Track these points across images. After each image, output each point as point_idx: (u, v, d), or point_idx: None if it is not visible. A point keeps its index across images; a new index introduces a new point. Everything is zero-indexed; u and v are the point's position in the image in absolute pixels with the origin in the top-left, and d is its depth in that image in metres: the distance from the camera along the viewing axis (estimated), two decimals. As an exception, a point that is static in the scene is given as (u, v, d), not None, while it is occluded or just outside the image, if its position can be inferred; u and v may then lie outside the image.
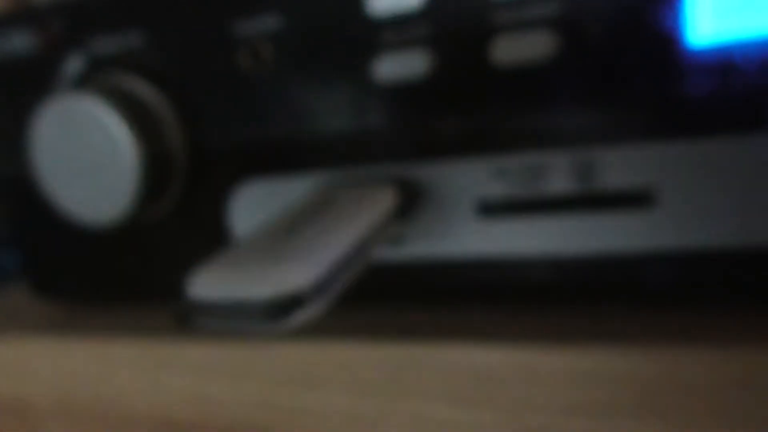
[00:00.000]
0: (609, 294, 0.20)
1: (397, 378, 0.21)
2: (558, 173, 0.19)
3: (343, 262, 0.17)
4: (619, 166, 0.19)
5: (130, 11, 0.23)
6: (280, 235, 0.17)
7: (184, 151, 0.23)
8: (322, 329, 0.22)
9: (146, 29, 0.23)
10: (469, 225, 0.20)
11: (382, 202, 0.19)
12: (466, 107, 0.20)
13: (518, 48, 0.19)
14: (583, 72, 0.18)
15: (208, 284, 0.16)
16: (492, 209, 0.20)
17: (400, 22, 0.20)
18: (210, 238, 0.24)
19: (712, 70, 0.18)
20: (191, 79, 0.23)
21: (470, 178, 0.20)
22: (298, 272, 0.15)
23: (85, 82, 0.24)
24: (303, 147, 0.22)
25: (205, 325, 0.15)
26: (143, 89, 0.23)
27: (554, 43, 0.18)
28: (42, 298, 0.28)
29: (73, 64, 0.24)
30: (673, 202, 0.18)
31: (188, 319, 0.15)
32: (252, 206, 0.23)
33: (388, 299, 0.23)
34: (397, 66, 0.20)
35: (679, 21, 0.18)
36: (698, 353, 0.18)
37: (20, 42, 0.25)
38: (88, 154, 0.22)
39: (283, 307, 0.15)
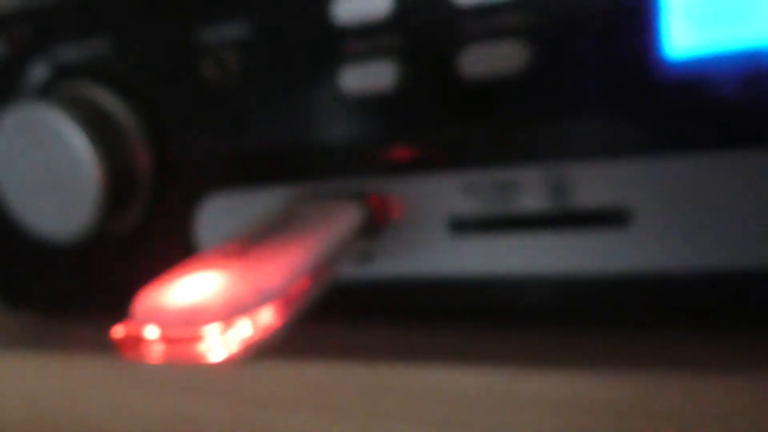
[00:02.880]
0: (584, 315, 0.19)
1: (370, 401, 0.20)
2: (531, 190, 0.18)
3: (304, 280, 0.16)
4: (594, 183, 0.18)
5: (96, 18, 0.22)
6: (235, 252, 0.16)
7: (149, 163, 0.22)
8: (293, 349, 0.21)
9: (111, 37, 0.22)
10: (441, 242, 0.20)
11: (347, 217, 0.19)
12: (436, 120, 0.19)
13: (488, 59, 0.18)
14: (555, 85, 0.18)
15: (153, 309, 0.15)
16: (464, 226, 0.19)
17: (367, 31, 0.19)
18: (177, 251, 0.23)
19: (689, 84, 0.17)
20: (156, 88, 0.22)
21: (441, 194, 0.19)
22: (251, 292, 0.15)
23: (48, 90, 0.23)
24: (270, 159, 0.21)
25: (144, 352, 0.15)
26: (107, 99, 0.22)
27: (525, 55, 0.18)
28: (9, 311, 0.28)
29: (37, 72, 0.23)
30: (649, 221, 0.17)
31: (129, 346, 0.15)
32: (219, 219, 0.22)
33: (359, 318, 0.22)
34: (365, 77, 0.19)
35: (655, 33, 0.17)
36: (677, 379, 0.17)
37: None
38: (49, 167, 0.21)
39: (233, 332, 0.14)
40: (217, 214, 0.22)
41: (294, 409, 0.21)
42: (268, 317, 0.15)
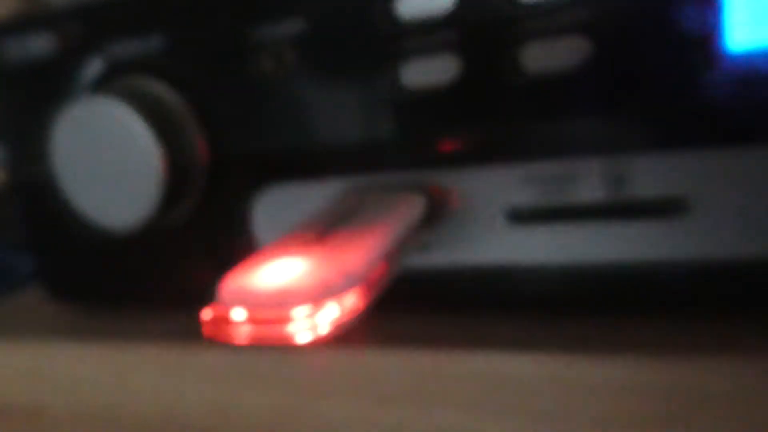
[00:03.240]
0: (641, 304, 0.20)
1: (420, 386, 0.20)
2: (589, 181, 0.19)
3: (377, 270, 0.16)
4: (652, 174, 0.18)
5: (149, 14, 0.23)
6: (309, 241, 0.17)
7: (205, 156, 0.23)
8: (348, 337, 0.22)
9: (166, 33, 0.23)
10: (498, 232, 0.20)
11: (411, 209, 0.19)
12: (495, 114, 0.19)
13: (548, 54, 0.18)
14: (614, 78, 0.18)
15: (239, 293, 0.15)
16: (521, 217, 0.20)
17: (428, 27, 0.20)
18: (231, 244, 0.23)
19: (749, 77, 0.17)
20: (212, 83, 0.22)
21: (499, 185, 0.20)
22: (331, 279, 0.15)
23: (102, 86, 0.23)
24: (326, 153, 0.22)
25: (235, 335, 0.15)
26: (164, 93, 0.22)
27: (585, 50, 0.18)
28: (56, 302, 0.28)
29: (91, 68, 0.24)
30: (707, 211, 0.18)
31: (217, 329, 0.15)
32: (274, 212, 0.23)
33: (414, 307, 0.22)
34: (425, 72, 0.20)
35: (716, 26, 0.17)
36: (729, 364, 0.17)
37: (37, 45, 0.25)
38: (110, 159, 0.22)
39: (316, 317, 0.15)
40: (274, 206, 0.23)
41: (349, 397, 0.21)
42: (353, 300, 0.15)
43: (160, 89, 0.23)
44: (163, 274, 0.25)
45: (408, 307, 0.22)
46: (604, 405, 0.19)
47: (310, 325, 0.15)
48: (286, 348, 0.22)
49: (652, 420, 0.18)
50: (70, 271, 0.27)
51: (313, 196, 0.22)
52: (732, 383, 0.17)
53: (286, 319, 0.15)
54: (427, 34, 0.20)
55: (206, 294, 0.16)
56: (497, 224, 0.20)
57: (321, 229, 0.18)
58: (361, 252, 0.16)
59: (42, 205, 0.26)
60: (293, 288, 0.15)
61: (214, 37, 0.22)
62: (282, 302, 0.15)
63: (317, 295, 0.15)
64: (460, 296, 0.21)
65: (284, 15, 0.21)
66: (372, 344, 0.21)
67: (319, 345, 0.16)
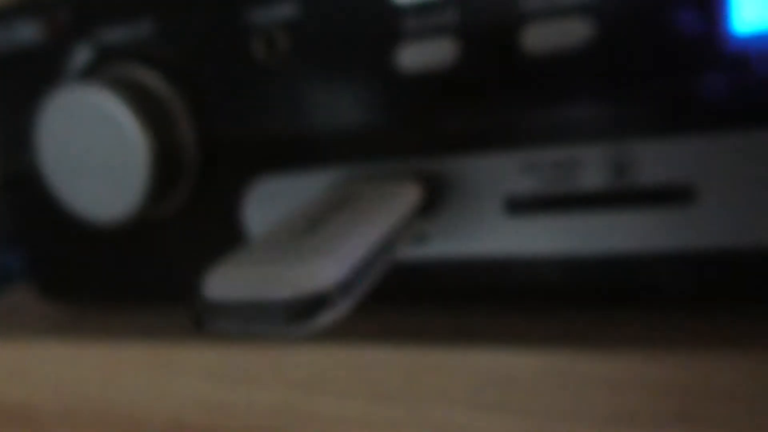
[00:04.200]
0: (646, 294, 0.19)
1: (416, 382, 0.20)
2: (591, 168, 0.18)
3: (369, 260, 0.16)
4: (657, 160, 0.18)
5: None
6: (300, 230, 0.16)
7: (195, 145, 0.22)
8: (339, 331, 0.21)
9: (156, 18, 0.22)
10: (497, 222, 0.19)
11: (407, 197, 0.18)
12: (495, 98, 0.19)
13: (550, 35, 0.18)
14: (618, 61, 0.17)
15: (225, 284, 0.15)
16: (521, 206, 0.19)
17: (424, 8, 0.19)
18: (223, 235, 0.23)
19: (758, 60, 0.17)
20: (203, 69, 0.22)
21: (498, 173, 0.19)
22: (321, 270, 0.14)
23: (92, 73, 0.23)
24: (321, 141, 0.21)
25: (222, 328, 0.14)
26: (153, 80, 0.22)
27: (588, 31, 0.17)
28: (47, 299, 0.27)
29: (81, 55, 0.23)
30: (714, 199, 0.17)
31: (204, 322, 0.15)
32: (267, 202, 0.22)
33: (410, 300, 0.22)
34: (422, 55, 0.19)
35: (721, 7, 0.17)
36: (738, 360, 0.17)
37: (26, 32, 0.24)
38: (96, 148, 0.21)
39: (307, 308, 0.14)
40: (266, 197, 0.22)
41: (344, 393, 0.21)
42: (343, 292, 0.15)
43: (148, 76, 0.22)
44: (154, 269, 0.24)
45: (404, 300, 0.21)
46: (602, 401, 0.18)
47: (300, 317, 0.14)
48: (279, 343, 0.21)
49: (652, 416, 0.18)
50: (59, 267, 0.26)
51: (307, 185, 0.21)
52: (744, 379, 0.17)
53: (272, 311, 0.14)
54: (424, 16, 0.19)
55: (197, 287, 0.16)
56: (496, 214, 0.19)
57: (313, 219, 0.17)
58: (352, 243, 0.15)
59: (30, 198, 0.25)
60: (282, 280, 0.14)
61: (204, 23, 0.22)
62: (268, 293, 0.14)
63: (307, 287, 0.14)
64: (458, 289, 0.21)
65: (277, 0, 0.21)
66: (367, 339, 0.20)
67: (311, 338, 0.15)
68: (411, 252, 0.20)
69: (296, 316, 0.14)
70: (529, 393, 0.19)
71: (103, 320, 0.27)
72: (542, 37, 0.18)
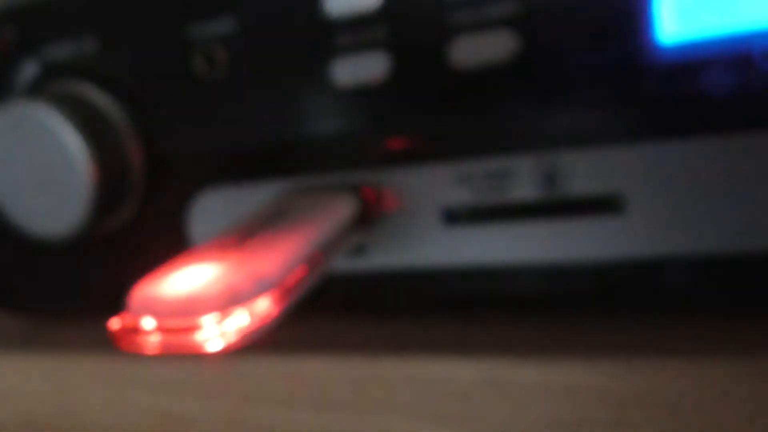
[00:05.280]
0: (579, 303, 0.19)
1: (365, 393, 0.20)
2: (524, 179, 0.18)
3: (297, 275, 0.16)
4: (587, 170, 0.18)
5: (84, 16, 0.22)
6: (230, 245, 0.16)
7: (141, 160, 0.22)
8: (288, 344, 0.21)
9: (100, 35, 0.22)
10: (435, 233, 0.20)
11: (341, 209, 0.19)
12: (427, 111, 0.19)
13: (478, 49, 0.18)
14: (544, 73, 0.18)
15: (146, 302, 0.15)
16: (458, 217, 0.19)
17: (357, 23, 0.19)
18: (171, 248, 0.23)
19: (680, 70, 0.17)
20: (147, 85, 0.22)
21: (435, 185, 0.19)
22: (245, 285, 0.15)
23: (38, 89, 0.23)
24: (262, 154, 0.21)
25: (140, 346, 0.15)
26: (98, 97, 0.22)
27: (514, 44, 0.18)
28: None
29: (26, 71, 0.23)
30: (642, 208, 0.18)
31: (123, 340, 0.15)
32: (212, 215, 0.22)
33: (354, 311, 0.22)
34: (356, 69, 0.19)
35: (646, 19, 0.17)
36: (672, 366, 0.17)
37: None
38: (40, 165, 0.21)
39: (227, 324, 0.14)
40: (210, 210, 0.22)
41: (290, 404, 0.21)
42: (264, 306, 0.15)
43: (93, 92, 0.22)
44: (104, 281, 0.24)
45: (346, 311, 0.22)
46: (540, 409, 0.18)
47: (219, 333, 0.14)
48: (229, 356, 0.22)
49: (590, 424, 0.18)
50: (9, 280, 0.26)
51: (250, 198, 0.21)
52: (672, 386, 0.17)
53: (194, 328, 0.14)
54: (357, 30, 0.19)
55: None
56: (434, 225, 0.20)
57: (244, 233, 0.17)
58: (277, 256, 0.16)
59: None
60: (201, 295, 0.14)
61: (146, 39, 0.22)
62: (189, 310, 0.14)
63: (226, 303, 0.14)
64: (398, 300, 0.21)
65: (216, 15, 0.21)
66: (312, 351, 0.21)
67: (232, 352, 0.15)
68: (351, 264, 0.21)
69: (215, 334, 0.14)
70: (470, 402, 0.19)
71: (57, 333, 0.27)
72: (470, 50, 0.18)
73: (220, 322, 0.14)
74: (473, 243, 0.19)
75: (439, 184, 0.19)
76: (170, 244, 0.23)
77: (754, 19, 0.17)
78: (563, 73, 0.18)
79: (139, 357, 0.23)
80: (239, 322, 0.14)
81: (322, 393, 0.21)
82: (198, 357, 0.22)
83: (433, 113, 0.19)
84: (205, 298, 0.14)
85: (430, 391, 0.19)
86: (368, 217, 0.19)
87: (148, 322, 0.15)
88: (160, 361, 0.22)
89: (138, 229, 0.23)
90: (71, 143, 0.21)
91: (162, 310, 0.14)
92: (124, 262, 0.23)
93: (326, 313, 0.21)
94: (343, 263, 0.21)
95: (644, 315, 0.19)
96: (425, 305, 0.21)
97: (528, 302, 0.20)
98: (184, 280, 0.15)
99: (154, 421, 0.23)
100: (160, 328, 0.14)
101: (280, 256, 0.16)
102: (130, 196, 0.22)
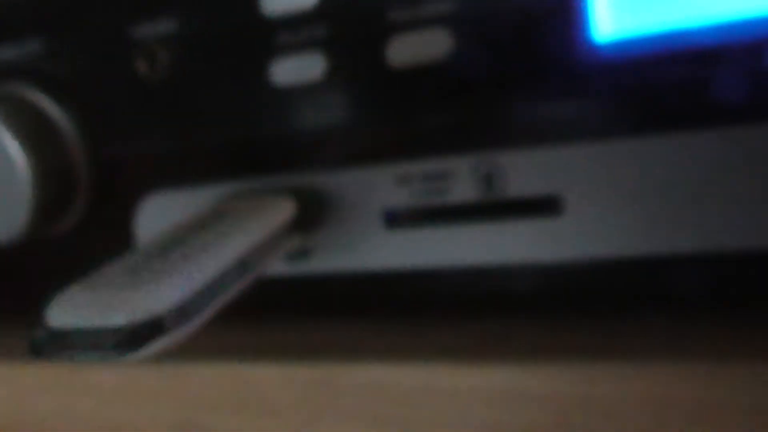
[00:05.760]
0: (523, 306, 0.19)
1: (309, 399, 0.20)
2: (462, 180, 0.18)
3: (217, 282, 0.16)
4: (525, 171, 0.17)
5: (27, 18, 0.22)
6: (155, 252, 0.16)
7: (86, 163, 0.22)
8: (233, 349, 0.21)
9: (43, 36, 0.22)
10: (377, 236, 0.19)
11: (278, 213, 0.18)
12: (365, 111, 0.18)
13: (413, 48, 0.18)
14: (481, 72, 0.17)
15: (65, 311, 0.14)
16: (399, 219, 0.19)
17: (295, 22, 0.19)
18: (118, 251, 0.22)
19: (616, 68, 0.16)
20: (91, 87, 0.22)
21: (375, 187, 0.19)
22: (156, 295, 0.14)
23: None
24: (206, 155, 0.21)
25: (60, 356, 0.14)
26: (41, 99, 0.22)
27: (449, 42, 0.17)
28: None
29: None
30: (580, 209, 0.17)
31: (42, 350, 0.14)
32: (159, 218, 0.22)
33: (298, 315, 0.21)
34: (295, 69, 0.19)
35: (580, 17, 0.17)
36: (614, 370, 0.17)
37: None
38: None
39: (138, 335, 0.14)
40: (158, 212, 0.22)
41: (234, 411, 0.21)
42: (178, 317, 0.14)
43: (37, 96, 0.22)
44: (51, 286, 0.24)
45: (291, 315, 0.21)
46: (491, 414, 0.18)
47: (131, 345, 0.14)
48: (177, 361, 0.21)
49: (533, 428, 0.17)
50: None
51: (197, 200, 0.21)
52: (623, 392, 0.16)
53: (109, 338, 0.14)
54: (295, 30, 0.19)
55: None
56: (375, 228, 0.19)
57: (172, 240, 0.17)
58: (200, 264, 0.15)
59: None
60: (116, 306, 0.14)
61: (90, 41, 0.21)
62: (106, 321, 0.14)
63: (138, 314, 0.14)
64: (343, 303, 0.20)
65: (157, 14, 0.20)
66: (258, 356, 0.20)
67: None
68: (295, 267, 0.20)
69: (128, 344, 0.14)
70: (413, 407, 0.19)
71: (7, 340, 0.26)
72: (405, 48, 0.18)
73: (131, 334, 0.14)
74: (415, 245, 0.19)
75: (379, 186, 0.19)
76: (119, 247, 0.22)
77: (692, 15, 0.16)
78: (498, 71, 0.17)
79: (86, 364, 0.23)
80: (150, 336, 0.14)
81: (267, 399, 0.20)
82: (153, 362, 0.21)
83: (371, 113, 0.18)
84: (119, 308, 0.14)
85: (374, 396, 0.19)
86: (307, 221, 0.19)
87: (65, 332, 0.14)
88: (105, 368, 0.22)
89: (84, 234, 0.23)
90: (10, 147, 0.20)
91: (79, 320, 0.14)
92: (71, 267, 0.23)
93: (271, 317, 0.21)
94: (287, 267, 0.20)
95: (586, 317, 0.18)
96: (369, 309, 0.20)
97: (470, 305, 0.19)
98: (103, 289, 0.15)
99: (101, 427, 0.23)
100: (77, 338, 0.14)
101: (201, 266, 0.15)
102: (76, 201, 0.22)
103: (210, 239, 0.16)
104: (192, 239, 0.16)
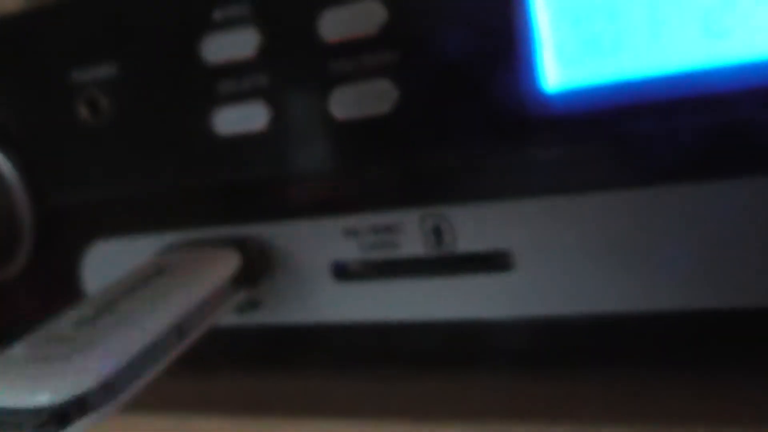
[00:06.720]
0: (470, 361, 0.18)
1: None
2: (411, 234, 0.17)
3: (150, 352, 0.15)
4: (473, 226, 0.17)
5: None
6: (84, 318, 0.15)
7: (30, 211, 0.21)
8: (179, 401, 0.20)
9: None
10: (326, 288, 0.19)
11: (219, 268, 0.18)
12: (308, 163, 0.18)
13: (358, 100, 0.17)
14: (427, 124, 0.17)
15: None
16: (348, 272, 0.18)
17: (236, 70, 0.18)
18: (63, 299, 0.22)
19: (565, 120, 0.16)
20: (33, 134, 0.21)
21: (323, 239, 0.18)
22: (84, 371, 0.14)
23: None
24: (153, 203, 0.20)
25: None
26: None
27: (394, 94, 0.17)
28: None
29: None
30: (531, 265, 0.17)
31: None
32: (104, 265, 0.21)
33: (246, 367, 0.21)
34: (236, 117, 0.18)
35: (529, 69, 0.16)
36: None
37: None
38: None
39: (64, 414, 0.13)
40: (103, 260, 0.21)
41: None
42: (104, 392, 0.14)
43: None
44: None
45: (240, 367, 0.21)
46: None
47: (53, 425, 0.13)
48: (118, 413, 0.21)
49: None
50: None
51: (142, 248, 0.20)
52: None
53: (31, 419, 0.13)
54: (236, 79, 0.18)
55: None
56: (325, 280, 0.19)
57: (105, 302, 0.16)
58: (134, 331, 0.15)
59: None
60: (42, 384, 0.13)
61: (31, 86, 0.21)
62: (28, 401, 0.13)
63: (67, 392, 0.13)
64: (292, 355, 0.20)
65: (98, 60, 0.20)
66: (201, 409, 0.20)
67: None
68: (245, 319, 0.20)
69: (51, 425, 0.13)
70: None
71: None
72: (349, 101, 0.17)
73: (52, 417, 0.13)
74: (364, 299, 0.18)
75: (327, 238, 0.18)
76: (64, 294, 0.22)
77: (641, 66, 0.16)
78: (445, 123, 0.17)
79: None
80: (75, 416, 0.13)
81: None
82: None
83: (316, 164, 0.18)
84: (41, 386, 0.13)
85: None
86: (254, 273, 0.19)
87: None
88: None
89: (29, 282, 0.22)
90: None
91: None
92: (19, 311, 0.23)
93: (220, 367, 0.20)
94: (235, 318, 0.20)
95: (541, 373, 0.18)
96: (320, 361, 0.20)
97: (420, 361, 0.19)
98: (23, 363, 0.14)
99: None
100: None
101: (138, 330, 0.15)
102: (21, 248, 0.21)
103: (145, 302, 0.16)
104: (126, 302, 0.16)
